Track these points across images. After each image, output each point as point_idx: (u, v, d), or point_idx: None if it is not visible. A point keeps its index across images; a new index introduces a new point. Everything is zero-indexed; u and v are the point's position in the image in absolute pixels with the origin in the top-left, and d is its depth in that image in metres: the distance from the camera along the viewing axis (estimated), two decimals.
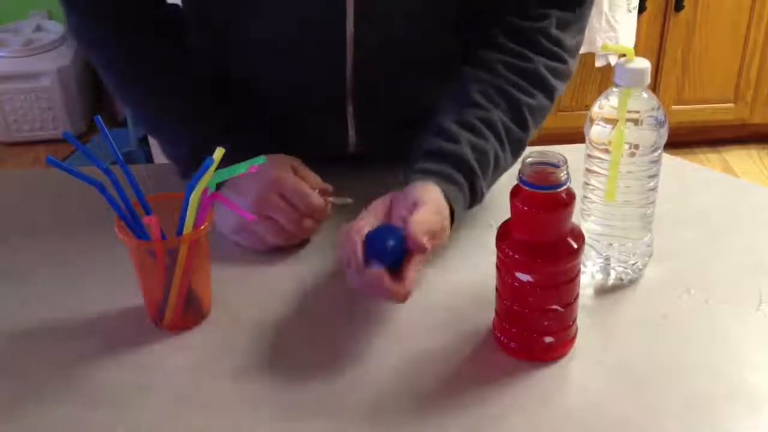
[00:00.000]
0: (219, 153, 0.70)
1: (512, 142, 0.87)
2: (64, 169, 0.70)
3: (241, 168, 0.72)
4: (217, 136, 0.80)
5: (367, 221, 0.76)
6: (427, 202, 0.77)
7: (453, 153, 0.84)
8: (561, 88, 0.92)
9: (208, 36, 0.98)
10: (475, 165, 0.84)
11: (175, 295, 0.75)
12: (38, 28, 2.91)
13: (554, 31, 0.90)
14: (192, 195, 0.72)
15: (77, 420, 0.68)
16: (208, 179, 0.71)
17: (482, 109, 0.87)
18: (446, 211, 0.80)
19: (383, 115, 0.98)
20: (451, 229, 0.81)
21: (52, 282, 0.84)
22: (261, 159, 0.73)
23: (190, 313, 0.78)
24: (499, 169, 0.88)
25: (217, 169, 0.71)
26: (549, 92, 0.90)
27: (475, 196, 0.85)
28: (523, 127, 0.88)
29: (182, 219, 0.73)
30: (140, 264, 0.75)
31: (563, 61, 0.91)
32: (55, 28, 2.88)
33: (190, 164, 0.83)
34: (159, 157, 2.83)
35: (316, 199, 0.86)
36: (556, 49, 0.90)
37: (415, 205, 0.77)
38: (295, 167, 0.88)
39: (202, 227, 0.73)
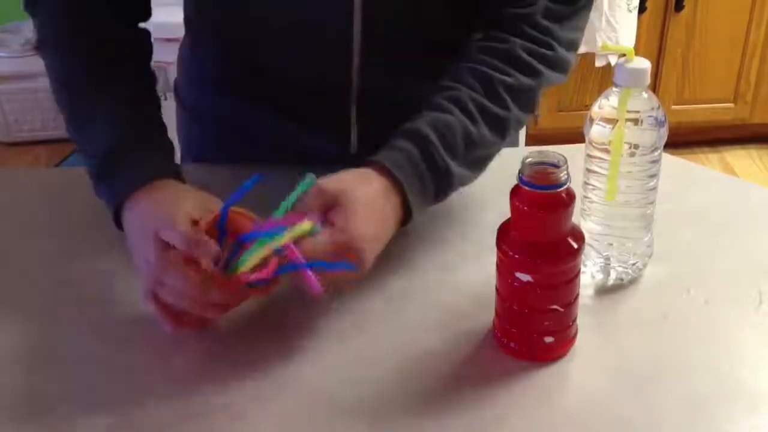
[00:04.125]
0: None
1: (488, 118, 0.82)
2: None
3: (296, 193, 0.71)
4: (133, 145, 0.80)
5: None
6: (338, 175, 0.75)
7: (399, 130, 0.81)
8: (550, 74, 0.87)
9: (214, 36, 0.98)
10: (430, 133, 0.79)
11: None
12: None
13: (542, 21, 0.86)
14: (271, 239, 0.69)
15: (75, 421, 0.68)
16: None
17: (450, 90, 0.83)
18: (368, 176, 0.76)
19: (386, 119, 0.98)
20: (409, 202, 0.77)
21: (51, 282, 0.84)
22: (312, 179, 0.71)
23: None
24: (474, 145, 0.82)
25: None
26: (529, 72, 0.85)
27: (435, 165, 0.79)
28: (500, 104, 0.83)
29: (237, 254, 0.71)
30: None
31: (549, 47, 0.86)
32: None
33: (102, 167, 0.80)
34: None
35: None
36: (541, 36, 0.86)
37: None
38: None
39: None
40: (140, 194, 0.77)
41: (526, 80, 0.85)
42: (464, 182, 0.84)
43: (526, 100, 0.86)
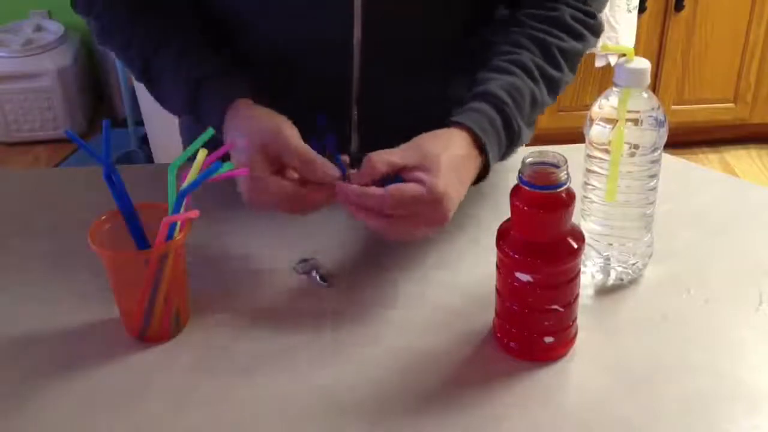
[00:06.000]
0: (202, 155, 0.70)
1: (547, 80, 0.88)
2: (81, 145, 0.72)
3: (223, 170, 0.72)
4: (218, 73, 0.87)
5: None
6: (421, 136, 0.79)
7: (476, 92, 0.85)
8: (591, 39, 0.93)
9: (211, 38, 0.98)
10: (503, 94, 0.84)
11: (161, 304, 0.74)
12: (38, 28, 2.91)
13: None
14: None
15: (75, 421, 0.68)
16: (193, 176, 0.72)
17: (511, 54, 0.88)
18: (453, 137, 0.79)
19: (386, 119, 0.98)
20: (487, 159, 0.81)
21: (52, 282, 0.84)
22: (209, 131, 0.73)
23: (174, 323, 0.76)
24: (536, 106, 0.87)
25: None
26: (578, 37, 0.91)
27: (511, 129, 0.84)
28: (556, 66, 0.89)
29: (172, 226, 0.72)
30: (127, 274, 0.74)
31: (591, 16, 0.92)
32: (55, 28, 2.88)
33: (193, 103, 0.87)
34: (159, 157, 2.83)
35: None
36: (584, 6, 0.92)
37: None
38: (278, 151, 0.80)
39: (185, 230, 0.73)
40: (239, 105, 0.84)
41: (575, 44, 0.91)
42: (525, 142, 0.88)
43: (575, 63, 0.92)
